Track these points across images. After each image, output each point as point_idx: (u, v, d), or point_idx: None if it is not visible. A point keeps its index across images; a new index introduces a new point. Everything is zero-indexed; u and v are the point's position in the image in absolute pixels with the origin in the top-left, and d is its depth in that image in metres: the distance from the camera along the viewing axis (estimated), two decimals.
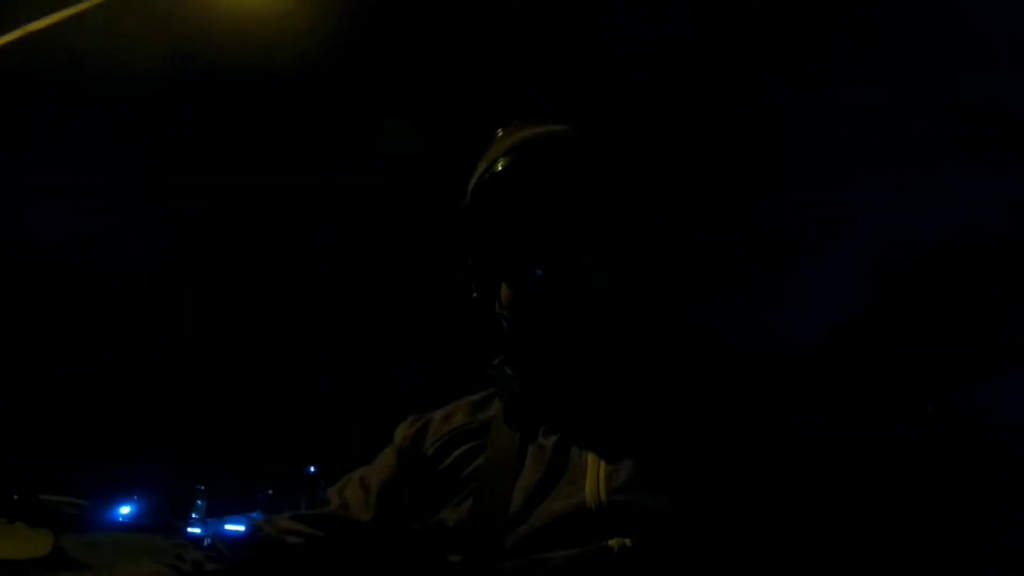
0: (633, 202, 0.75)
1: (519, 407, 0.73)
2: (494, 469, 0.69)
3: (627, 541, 0.58)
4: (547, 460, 0.67)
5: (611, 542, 0.58)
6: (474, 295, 0.78)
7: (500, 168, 0.75)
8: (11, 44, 2.79)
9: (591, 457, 0.65)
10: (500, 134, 0.78)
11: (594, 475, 0.63)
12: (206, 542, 0.70)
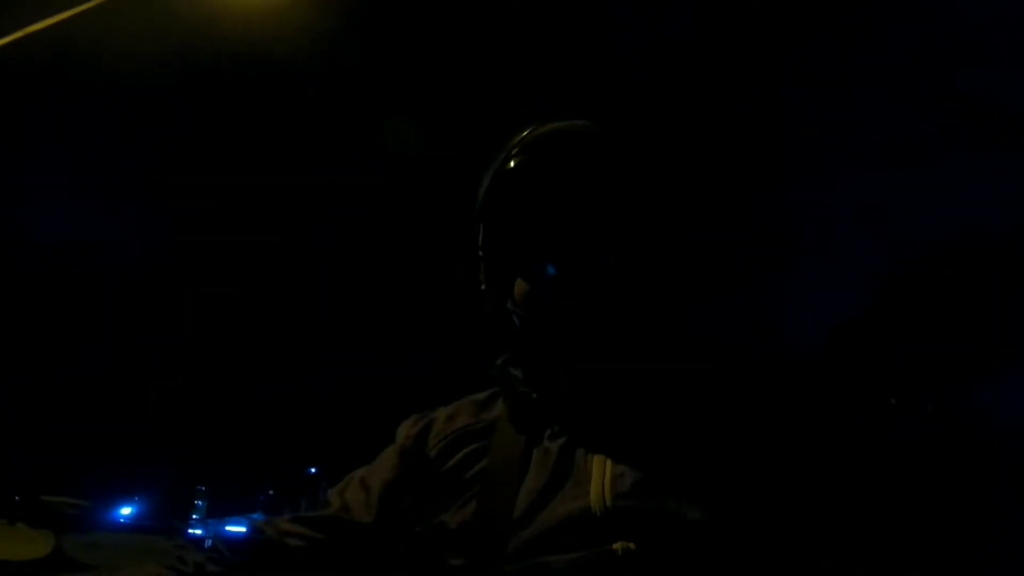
0: (650, 200, 0.74)
1: (525, 408, 0.73)
2: (498, 471, 0.69)
3: (631, 545, 0.58)
4: (552, 464, 0.67)
5: (615, 546, 0.59)
6: (482, 287, 0.77)
7: (518, 162, 0.74)
8: (11, 44, 2.79)
9: (597, 461, 0.65)
10: (523, 132, 0.77)
11: (600, 479, 0.63)
12: (207, 543, 0.70)
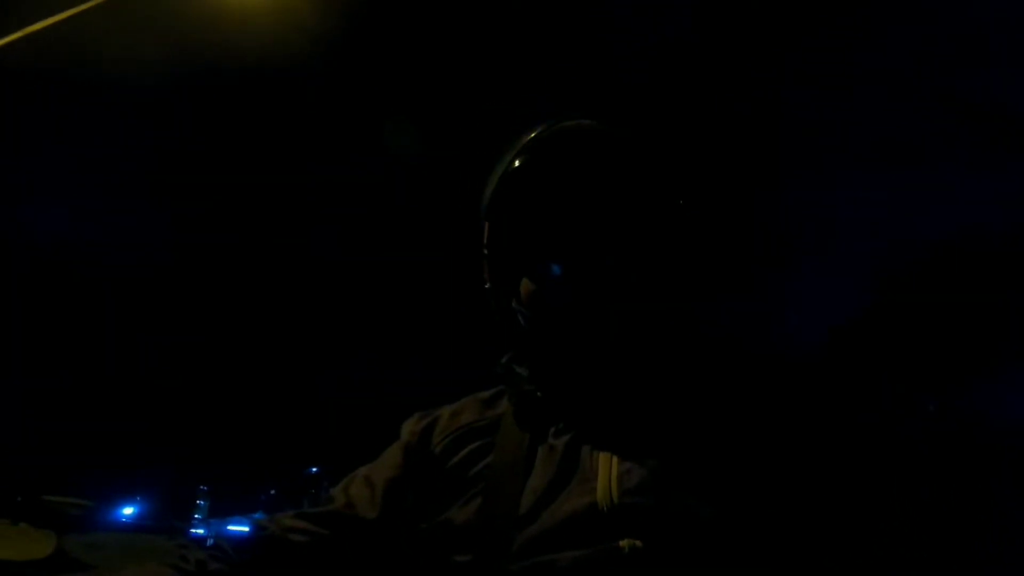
0: (655, 200, 0.74)
1: (530, 406, 0.73)
2: (503, 468, 0.69)
3: (638, 542, 0.58)
4: (558, 461, 0.67)
5: (622, 543, 0.59)
6: (487, 286, 0.78)
7: (524, 162, 0.74)
8: (11, 44, 2.79)
9: (603, 458, 0.65)
10: (530, 132, 0.77)
11: (606, 476, 0.63)
12: (209, 543, 0.71)
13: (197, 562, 0.67)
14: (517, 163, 0.75)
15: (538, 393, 0.73)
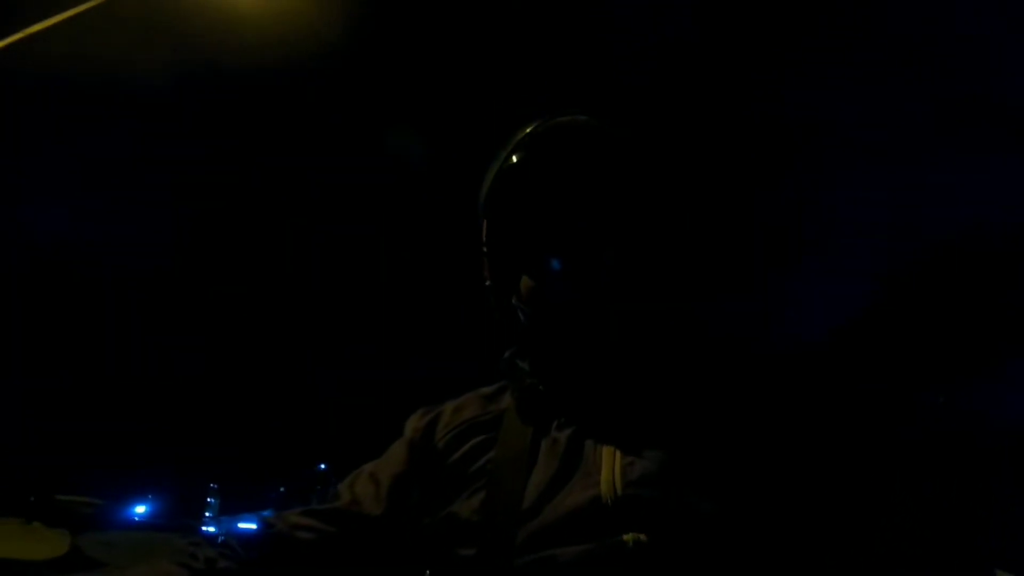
0: (652, 194, 0.74)
1: (532, 400, 0.73)
2: (507, 462, 0.69)
3: (642, 536, 0.58)
4: (561, 454, 0.67)
5: (626, 537, 0.58)
6: (487, 283, 0.78)
7: (521, 158, 0.74)
8: (13, 44, 2.80)
9: (606, 451, 0.65)
10: (525, 128, 0.77)
11: (609, 469, 0.63)
12: (220, 540, 0.71)
13: (207, 560, 0.67)
14: (512, 160, 0.75)
15: (540, 387, 0.73)
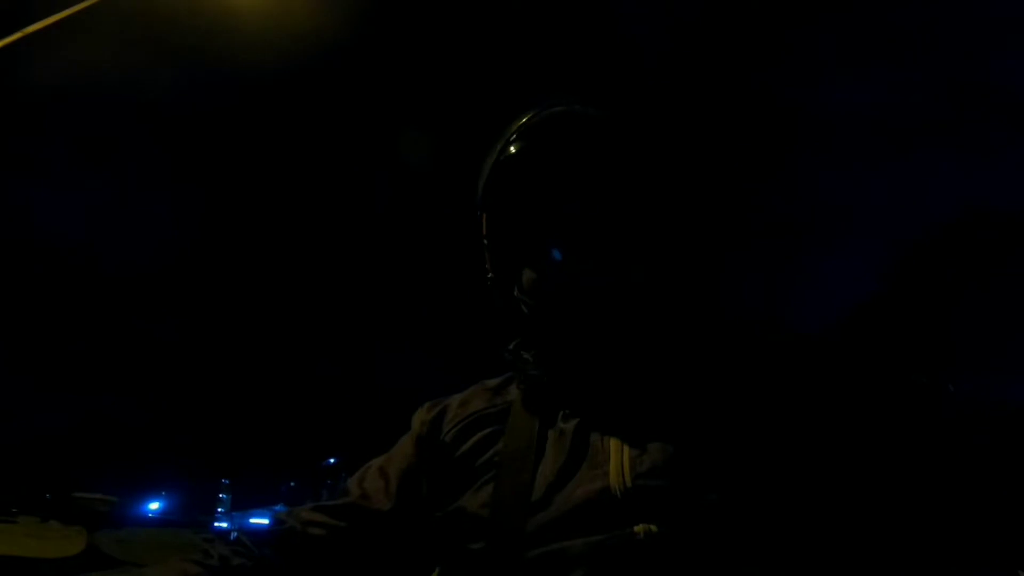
0: (650, 181, 0.73)
1: (538, 392, 0.72)
2: (514, 454, 0.68)
3: (652, 527, 0.57)
4: (568, 445, 0.66)
5: (637, 528, 0.57)
6: (489, 276, 0.77)
7: (516, 149, 0.74)
8: (15, 44, 2.81)
9: (613, 442, 0.64)
10: (519, 119, 0.77)
11: (618, 459, 0.62)
12: (233, 536, 0.72)
13: (220, 557, 0.68)
14: (507, 152, 0.74)
15: (545, 379, 0.73)
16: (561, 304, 0.69)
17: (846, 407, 0.66)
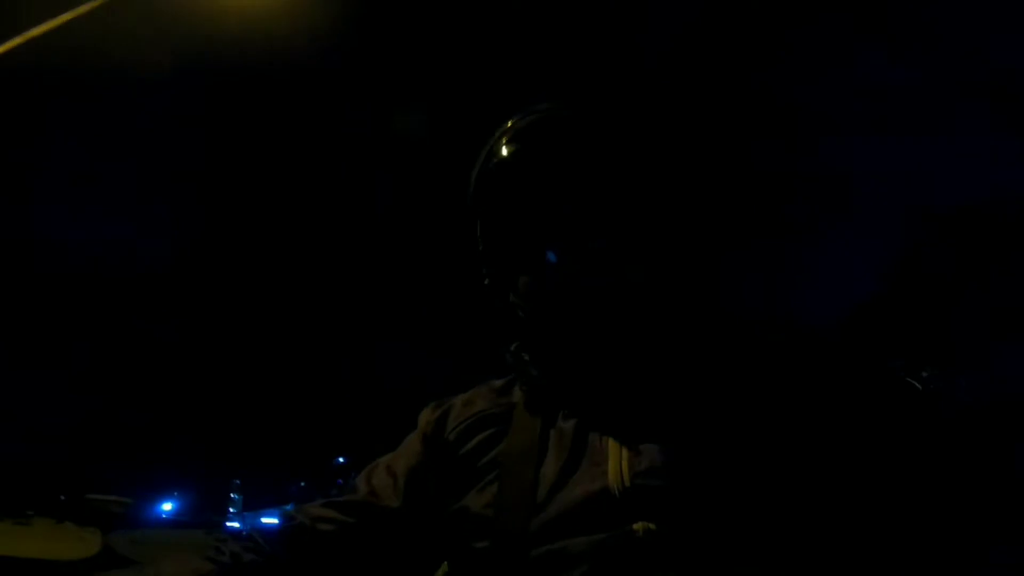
0: (642, 181, 0.73)
1: (539, 392, 0.73)
2: (517, 455, 0.69)
3: (652, 525, 0.58)
4: (568, 445, 0.67)
5: (636, 526, 0.58)
6: (486, 282, 0.78)
7: (505, 153, 0.74)
8: (17, 46, 2.83)
9: (612, 441, 0.65)
10: (506, 123, 0.78)
11: (616, 459, 0.63)
12: (244, 535, 0.73)
13: (232, 554, 0.69)
14: (495, 158, 0.75)
15: (544, 380, 0.74)
16: (558, 305, 0.70)
17: (846, 406, 0.66)
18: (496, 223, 0.76)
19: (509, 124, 0.76)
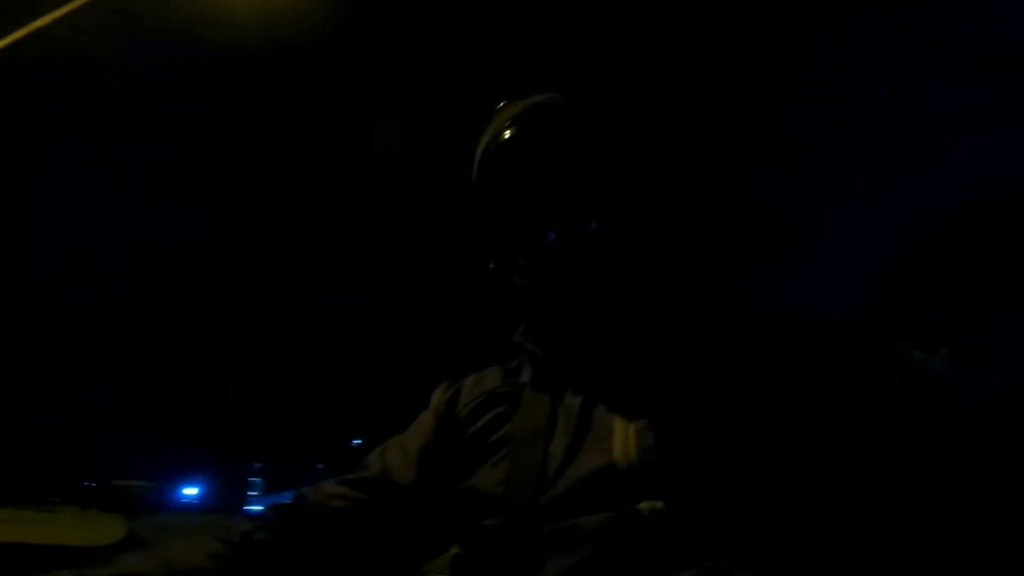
0: (642, 163, 0.74)
1: (546, 371, 0.73)
2: (526, 433, 0.70)
3: (658, 504, 0.58)
4: (575, 422, 0.68)
5: (642, 506, 0.59)
6: (490, 267, 0.79)
7: (506, 137, 0.75)
8: (17, 43, 2.83)
9: (618, 417, 0.65)
10: (502, 106, 0.78)
11: (623, 435, 0.64)
12: (259, 515, 0.74)
13: (242, 533, 0.70)
14: (499, 138, 0.75)
15: (549, 357, 0.74)
16: (561, 284, 0.71)
17: (854, 392, 0.65)
18: (498, 205, 0.76)
19: (500, 115, 0.77)
